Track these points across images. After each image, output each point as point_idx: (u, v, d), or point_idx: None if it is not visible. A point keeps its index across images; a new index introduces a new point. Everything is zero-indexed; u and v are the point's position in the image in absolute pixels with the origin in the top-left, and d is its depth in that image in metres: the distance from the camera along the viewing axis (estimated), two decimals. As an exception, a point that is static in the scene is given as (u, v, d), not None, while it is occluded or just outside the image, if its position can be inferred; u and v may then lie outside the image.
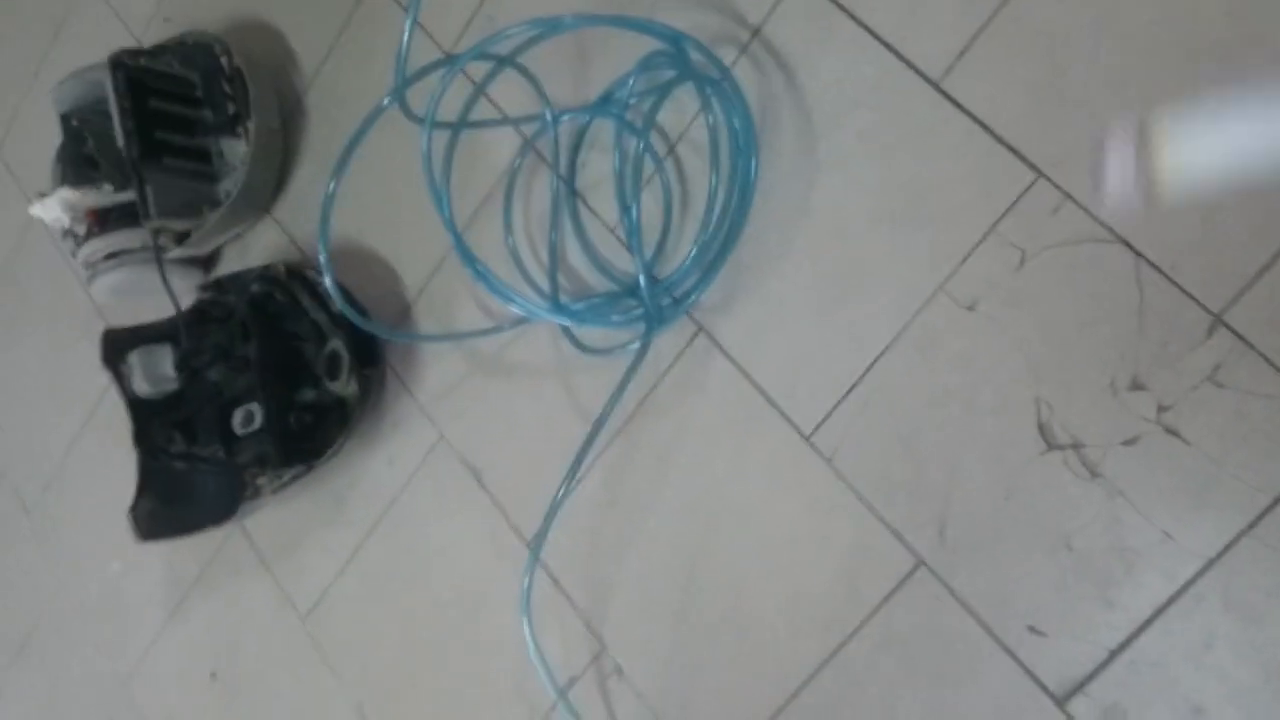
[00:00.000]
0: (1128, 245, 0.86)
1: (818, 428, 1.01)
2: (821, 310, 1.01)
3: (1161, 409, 0.85)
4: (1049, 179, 0.90)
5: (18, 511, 1.60)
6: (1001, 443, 0.91)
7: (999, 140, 0.93)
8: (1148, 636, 0.85)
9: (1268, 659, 0.82)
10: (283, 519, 1.34)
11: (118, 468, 1.32)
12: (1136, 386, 0.86)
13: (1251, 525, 0.82)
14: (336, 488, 1.30)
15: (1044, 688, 0.89)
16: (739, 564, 1.04)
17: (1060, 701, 0.88)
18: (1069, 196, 0.89)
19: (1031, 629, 0.89)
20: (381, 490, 1.27)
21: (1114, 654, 0.86)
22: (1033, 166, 0.91)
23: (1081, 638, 0.87)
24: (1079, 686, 0.87)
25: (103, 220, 1.33)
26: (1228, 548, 0.83)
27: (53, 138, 1.37)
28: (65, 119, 1.36)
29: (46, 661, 1.58)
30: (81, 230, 1.33)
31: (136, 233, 1.30)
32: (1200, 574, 0.83)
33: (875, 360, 0.98)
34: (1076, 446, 0.88)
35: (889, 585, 0.96)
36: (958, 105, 0.95)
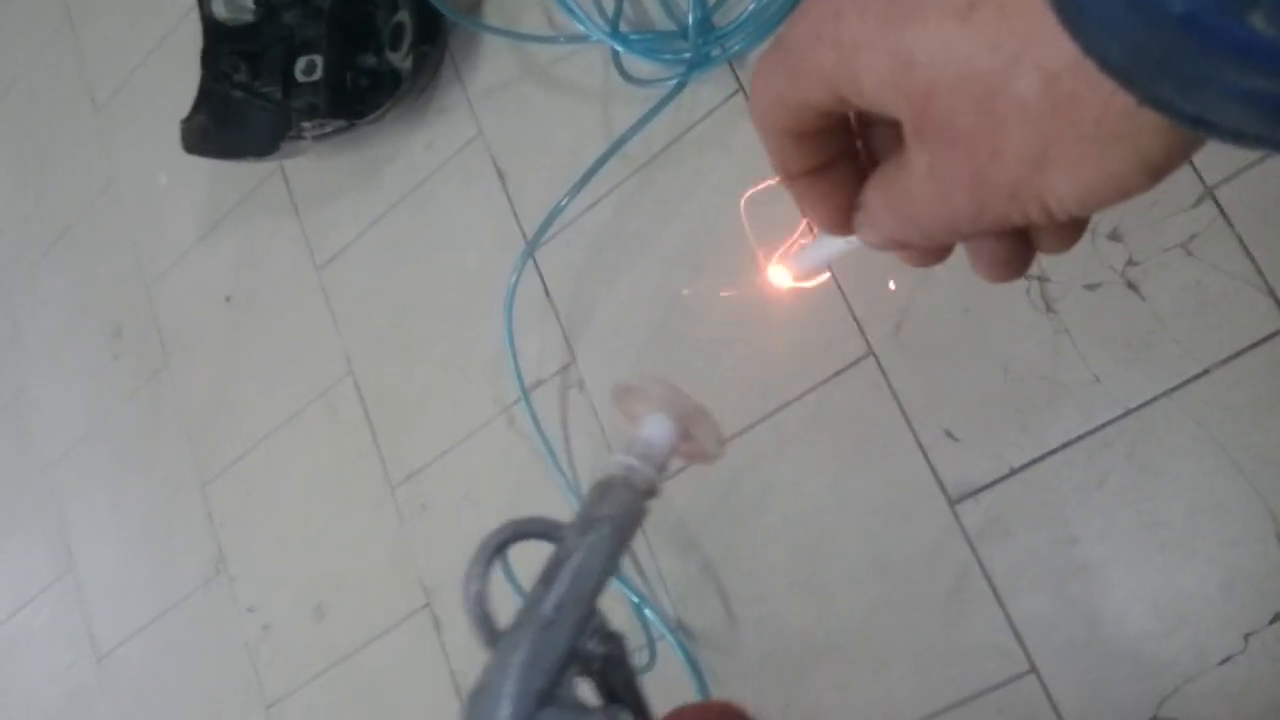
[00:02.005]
0: (1153, 99, 0.88)
1: (820, 208, 1.04)
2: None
3: (1130, 263, 0.88)
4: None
5: (87, 106, 1.69)
6: (978, 260, 0.95)
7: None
8: (1049, 464, 0.91)
9: (1150, 510, 0.87)
10: (321, 173, 1.41)
11: (185, 89, 1.39)
12: (1115, 237, 0.89)
13: (1175, 388, 0.86)
14: (375, 158, 1.37)
15: (942, 487, 0.95)
16: (711, 316, 1.10)
17: (952, 502, 0.95)
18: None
19: (948, 433, 0.95)
20: (415, 169, 1.33)
21: (1014, 472, 0.92)
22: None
23: (989, 452, 0.93)
24: (973, 493, 0.94)
25: None
26: (1147, 403, 0.87)
27: None
28: None
29: (81, 252, 1.69)
30: None
31: None
32: (1115, 420, 0.88)
33: (891, 157, 1.01)
34: (1042, 279, 0.92)
35: (837, 366, 1.02)
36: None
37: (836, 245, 0.36)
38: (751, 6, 1.06)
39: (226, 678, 1.46)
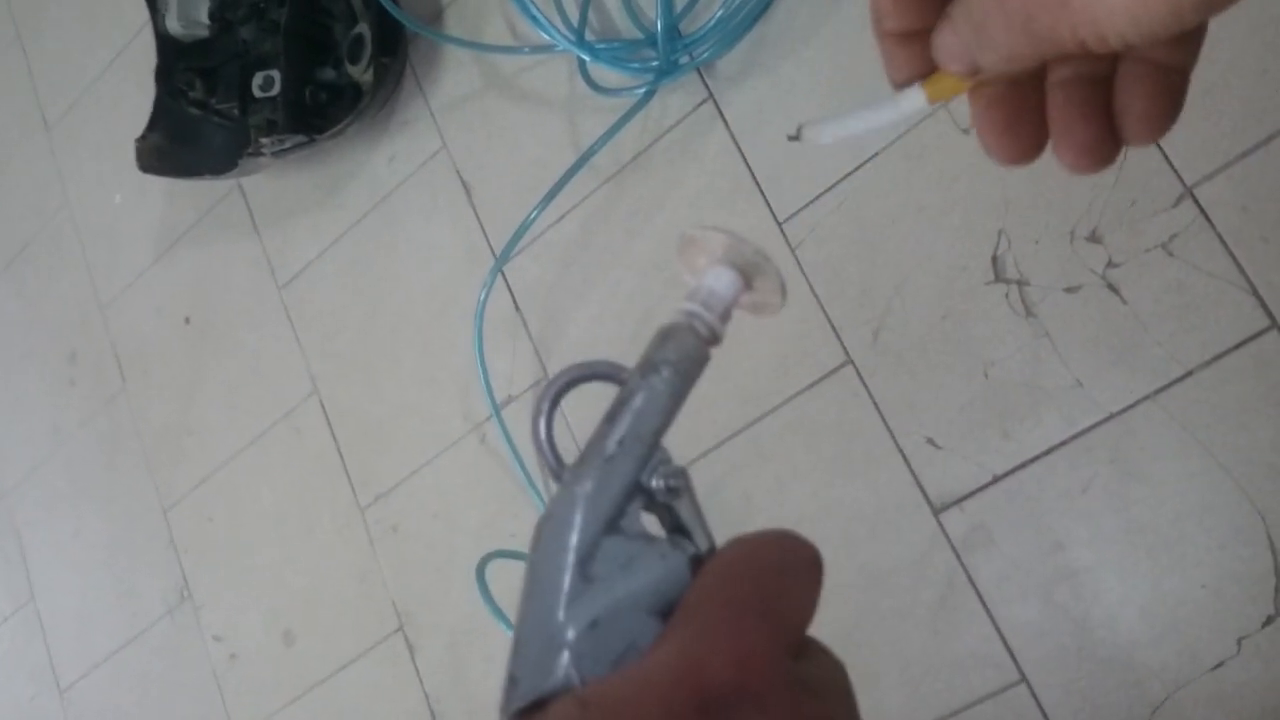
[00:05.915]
0: (1128, 100, 0.87)
1: (792, 216, 1.03)
2: (828, 102, 1.02)
3: (1110, 265, 0.87)
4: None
5: (39, 126, 1.64)
6: (954, 265, 0.94)
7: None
8: (1032, 470, 0.90)
9: (1135, 514, 0.86)
10: (281, 190, 1.38)
11: (138, 106, 1.35)
12: (1094, 239, 0.88)
13: (1158, 391, 0.85)
14: (336, 173, 1.34)
15: (925, 495, 0.94)
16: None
17: (936, 511, 0.93)
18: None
19: (930, 441, 0.94)
20: (377, 185, 1.30)
21: (997, 479, 0.91)
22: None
23: (971, 459, 0.92)
24: (957, 501, 0.92)
25: None
26: (1130, 407, 0.86)
27: None
28: None
29: (36, 274, 1.65)
30: None
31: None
32: (1098, 425, 0.87)
33: (864, 163, 1.00)
34: (1021, 283, 0.91)
35: (815, 375, 1.00)
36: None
37: (876, 119, 0.36)
38: (719, 13, 1.04)
39: (194, 708, 1.42)
